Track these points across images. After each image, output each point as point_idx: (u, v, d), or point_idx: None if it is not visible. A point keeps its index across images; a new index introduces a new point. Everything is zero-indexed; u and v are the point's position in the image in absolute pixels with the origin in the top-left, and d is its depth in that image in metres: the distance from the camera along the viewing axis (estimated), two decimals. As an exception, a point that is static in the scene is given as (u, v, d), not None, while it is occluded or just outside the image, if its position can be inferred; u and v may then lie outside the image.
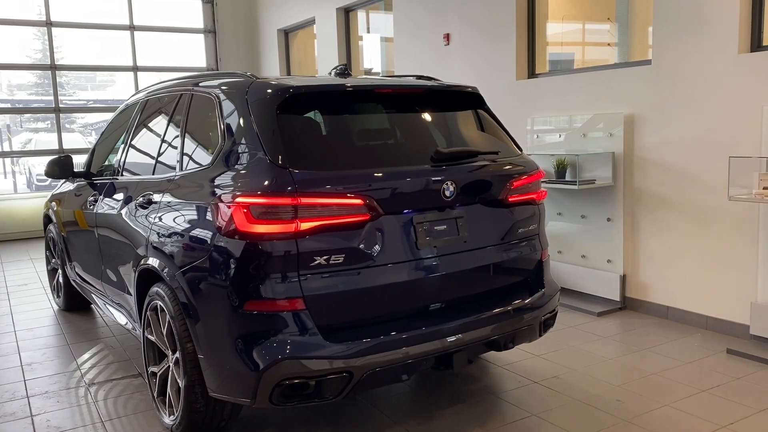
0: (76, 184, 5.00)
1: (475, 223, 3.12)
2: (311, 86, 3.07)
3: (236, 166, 2.85)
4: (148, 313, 3.32)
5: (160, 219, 3.26)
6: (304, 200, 2.62)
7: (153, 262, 3.23)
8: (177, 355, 3.02)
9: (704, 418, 3.25)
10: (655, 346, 4.33)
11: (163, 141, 3.70)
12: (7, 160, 11.00)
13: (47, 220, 5.70)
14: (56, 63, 10.08)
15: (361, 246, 2.75)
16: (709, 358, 4.09)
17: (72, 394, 3.81)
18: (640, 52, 5.67)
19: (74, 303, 5.52)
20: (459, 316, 3.00)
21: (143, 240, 3.39)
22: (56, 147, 10.12)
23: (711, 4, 4.38)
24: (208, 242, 2.81)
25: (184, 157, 3.34)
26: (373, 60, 9.42)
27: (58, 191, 5.48)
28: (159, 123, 3.92)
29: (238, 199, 2.67)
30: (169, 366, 3.18)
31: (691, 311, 4.73)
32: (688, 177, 4.65)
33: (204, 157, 3.15)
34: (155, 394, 3.36)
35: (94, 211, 4.32)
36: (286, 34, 10.81)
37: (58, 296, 5.68)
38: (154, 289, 3.19)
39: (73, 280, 5.19)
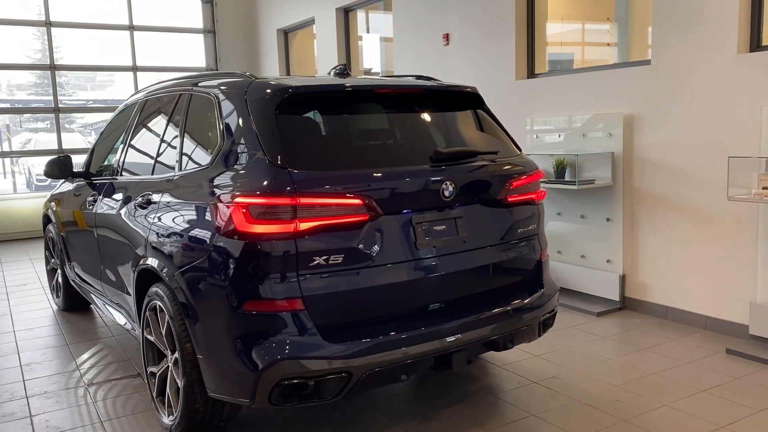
0: (75, 184, 5.00)
1: (474, 223, 3.12)
2: (310, 86, 3.07)
3: (235, 166, 2.85)
4: (147, 313, 3.32)
5: (159, 219, 3.26)
6: (303, 200, 2.62)
7: (152, 262, 3.23)
8: (176, 355, 3.02)
9: (703, 418, 3.25)
10: (655, 346, 4.33)
11: (162, 141, 3.70)
12: (7, 160, 11.00)
13: (46, 220, 5.70)
14: (56, 63, 10.08)
15: (361, 246, 2.75)
16: (708, 358, 4.09)
17: (71, 395, 3.81)
18: (639, 52, 5.67)
19: (73, 303, 5.52)
20: (458, 316, 3.00)
21: (142, 240, 3.39)
22: (56, 147, 10.12)
23: (710, 4, 4.38)
24: (207, 242, 2.81)
25: (183, 157, 3.34)
26: (373, 60, 9.42)
27: (57, 191, 5.48)
28: (158, 123, 3.92)
29: (237, 199, 2.67)
30: (168, 366, 3.18)
31: (690, 311, 4.73)
32: (687, 177, 4.65)
33: (203, 157, 3.15)
34: (154, 395, 3.36)
35: (94, 211, 4.32)
36: (286, 34, 10.81)
37: (58, 296, 5.68)
38: (153, 289, 3.19)
39: (73, 281, 5.19)
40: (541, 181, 3.65)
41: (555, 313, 3.48)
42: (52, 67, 10.04)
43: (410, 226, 2.89)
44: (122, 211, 3.78)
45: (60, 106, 10.18)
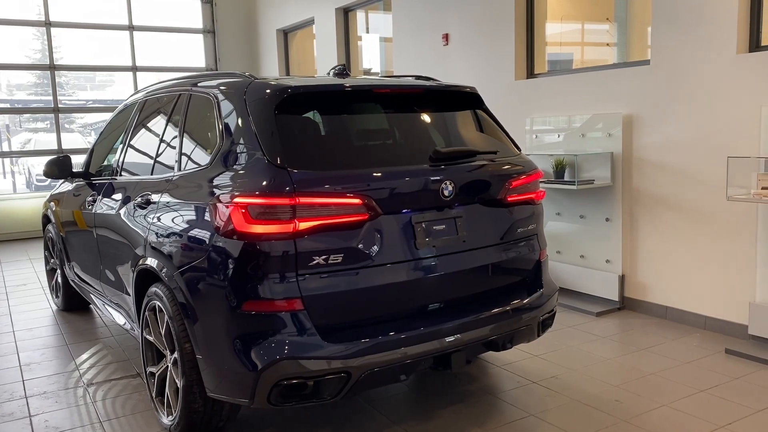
0: (74, 185, 5.00)
1: (473, 222, 3.12)
2: (309, 86, 3.07)
3: (234, 167, 2.85)
4: (146, 313, 3.32)
5: (159, 219, 3.26)
6: (302, 200, 2.62)
7: (151, 262, 3.23)
8: (175, 355, 3.02)
9: (702, 418, 3.25)
10: (654, 346, 4.33)
11: (161, 141, 3.70)
12: (7, 160, 11.00)
13: (46, 220, 5.70)
14: (55, 63, 10.08)
15: (360, 246, 2.75)
16: (707, 358, 4.09)
17: (70, 395, 3.81)
18: (638, 52, 5.67)
19: (73, 303, 5.52)
20: (457, 316, 3.00)
21: (141, 240, 3.39)
22: (55, 147, 10.12)
23: (710, 5, 4.38)
24: (207, 242, 2.81)
25: (183, 157, 3.34)
26: (372, 60, 9.42)
27: (56, 191, 5.48)
28: (157, 123, 3.92)
29: (237, 200, 2.67)
30: (167, 366, 3.18)
31: (689, 311, 4.73)
32: (686, 177, 4.65)
33: (202, 158, 3.15)
34: (154, 395, 3.36)
35: (93, 211, 4.32)
36: (285, 34, 10.81)
37: (57, 296, 5.68)
38: (153, 289, 3.19)
39: (72, 281, 5.19)
40: (541, 181, 3.66)
41: (554, 313, 3.48)
42: (52, 67, 10.04)
43: (410, 225, 2.89)
44: (121, 211, 3.78)
45: (60, 106, 10.18)
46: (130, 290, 3.59)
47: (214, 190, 2.86)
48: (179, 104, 3.59)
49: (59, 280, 5.52)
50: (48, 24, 9.91)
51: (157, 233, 3.24)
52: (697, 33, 4.48)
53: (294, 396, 2.66)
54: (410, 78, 3.77)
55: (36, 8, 9.90)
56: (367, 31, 9.25)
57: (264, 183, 2.65)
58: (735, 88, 4.29)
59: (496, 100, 5.83)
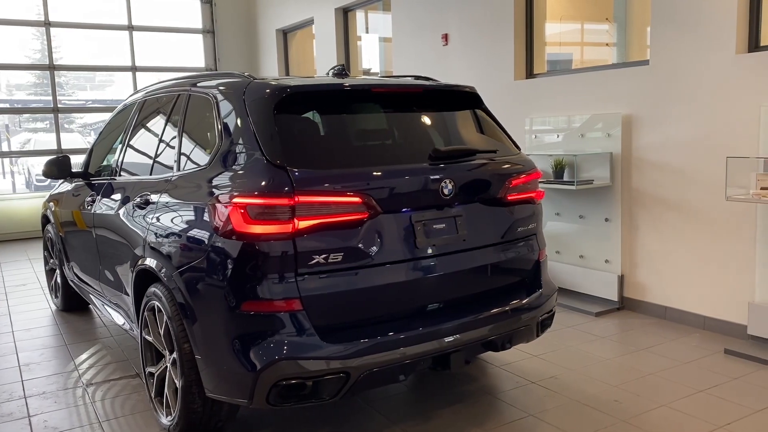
0: (74, 185, 4.99)
1: (473, 221, 3.12)
2: (308, 86, 3.07)
3: (234, 167, 2.85)
4: (145, 313, 3.32)
5: (158, 219, 3.26)
6: (302, 201, 2.62)
7: (150, 262, 3.23)
8: (174, 355, 3.01)
9: (702, 419, 3.25)
10: (653, 346, 4.33)
11: (160, 141, 3.70)
12: (6, 161, 10.99)
13: (45, 220, 5.70)
14: (55, 63, 10.08)
15: (360, 245, 2.75)
16: (706, 358, 4.09)
17: (70, 395, 3.80)
18: (638, 52, 5.67)
19: (72, 303, 5.51)
20: (456, 316, 3.00)
21: (140, 240, 3.39)
22: (55, 147, 10.11)
23: (709, 5, 4.38)
24: (206, 243, 2.81)
25: (182, 157, 3.34)
26: (372, 60, 9.42)
27: (56, 191, 5.47)
28: (157, 123, 3.91)
29: (236, 200, 2.67)
30: (166, 366, 3.18)
31: (688, 311, 4.73)
32: (685, 177, 4.65)
33: (201, 158, 3.15)
34: (153, 395, 3.36)
35: (92, 211, 4.31)
36: (285, 34, 10.81)
37: (56, 296, 5.68)
38: (152, 289, 3.19)
39: (71, 281, 5.19)
40: (540, 182, 3.66)
41: (553, 313, 3.48)
42: (52, 67, 10.04)
43: (410, 224, 2.89)
44: (121, 212, 3.78)
45: (59, 106, 10.17)
46: (129, 290, 3.59)
47: (213, 190, 2.86)
48: (178, 104, 3.59)
49: (58, 280, 5.52)
50: (47, 24, 9.90)
51: (156, 233, 3.24)
52: (697, 33, 4.48)
53: (293, 396, 2.66)
54: (409, 78, 3.77)
55: (35, 8, 9.90)
56: (367, 32, 9.25)
57: (263, 183, 2.65)
58: (734, 88, 4.29)
59: (496, 100, 5.82)
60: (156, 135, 3.81)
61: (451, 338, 2.92)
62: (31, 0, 9.88)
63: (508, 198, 3.27)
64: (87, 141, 11.07)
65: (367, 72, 9.28)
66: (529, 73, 6.08)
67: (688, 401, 3.46)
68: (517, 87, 6.06)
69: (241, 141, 2.87)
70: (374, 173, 2.84)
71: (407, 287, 2.92)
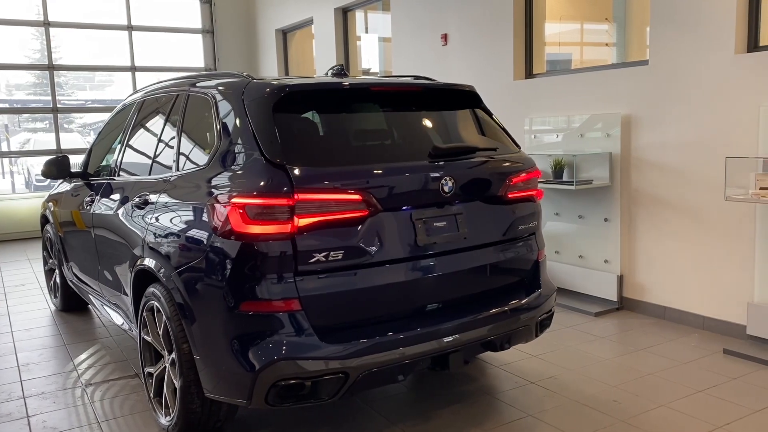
0: (73, 185, 4.99)
1: (474, 219, 3.11)
2: (307, 85, 3.07)
3: (232, 167, 2.84)
4: (144, 313, 3.32)
5: (157, 219, 3.26)
6: (301, 201, 2.62)
7: (149, 262, 3.23)
8: (173, 355, 3.01)
9: (701, 419, 3.25)
10: (652, 346, 4.33)
11: (159, 141, 3.70)
12: (6, 161, 10.99)
13: (44, 220, 5.70)
14: (54, 63, 10.08)
15: (360, 244, 2.75)
16: (705, 358, 4.09)
17: (69, 395, 3.80)
18: (637, 52, 5.67)
19: (71, 303, 5.51)
20: (455, 316, 3.00)
21: (139, 240, 3.38)
22: (54, 147, 10.11)
23: (708, 5, 4.38)
24: (204, 243, 2.80)
25: (181, 157, 3.34)
26: (371, 60, 9.42)
27: (55, 191, 5.47)
28: (156, 123, 3.91)
29: (234, 200, 2.67)
30: (165, 367, 3.17)
31: (687, 311, 4.73)
32: (685, 177, 4.65)
33: (200, 158, 3.15)
34: (151, 395, 3.36)
35: (91, 211, 4.31)
36: (284, 34, 10.81)
37: (55, 297, 5.68)
38: (150, 289, 3.19)
39: (70, 281, 5.19)
40: (539, 181, 3.66)
41: (552, 313, 3.48)
42: (51, 67, 10.04)
43: (410, 222, 2.89)
44: (120, 212, 3.78)
45: (58, 106, 10.17)
46: (128, 290, 3.59)
47: (212, 190, 2.86)
48: (177, 104, 3.59)
49: (57, 280, 5.52)
50: (47, 24, 9.90)
51: (155, 233, 3.24)
52: (696, 33, 4.48)
53: (292, 396, 2.66)
54: (409, 78, 3.77)
55: (35, 8, 9.89)
56: (366, 31, 9.25)
57: (262, 183, 2.64)
58: (733, 88, 4.29)
59: (495, 100, 5.82)
60: (155, 135, 3.80)
61: (450, 338, 2.91)
62: (31, 0, 9.88)
63: (509, 196, 3.27)
64: (86, 141, 11.06)
65: (366, 72, 9.28)
66: (529, 73, 6.08)
67: (688, 401, 3.46)
68: (516, 87, 6.06)
69: (240, 141, 2.86)
70: (374, 170, 2.84)
71: (407, 287, 2.91)
